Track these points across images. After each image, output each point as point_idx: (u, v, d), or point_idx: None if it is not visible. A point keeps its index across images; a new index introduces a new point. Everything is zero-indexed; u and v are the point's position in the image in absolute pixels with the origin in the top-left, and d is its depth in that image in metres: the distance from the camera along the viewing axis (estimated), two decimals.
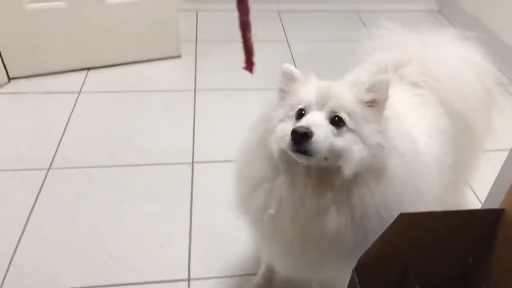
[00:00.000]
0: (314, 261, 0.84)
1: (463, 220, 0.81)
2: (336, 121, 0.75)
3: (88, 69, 2.09)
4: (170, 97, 1.97)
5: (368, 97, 0.76)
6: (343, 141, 0.74)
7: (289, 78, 0.84)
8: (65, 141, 1.69)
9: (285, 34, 2.50)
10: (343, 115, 0.75)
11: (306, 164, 0.76)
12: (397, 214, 0.73)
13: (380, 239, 0.75)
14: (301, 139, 0.70)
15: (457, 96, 1.07)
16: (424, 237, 0.81)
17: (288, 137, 0.72)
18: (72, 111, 1.84)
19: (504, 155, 0.94)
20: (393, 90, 0.80)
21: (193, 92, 1.99)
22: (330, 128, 0.74)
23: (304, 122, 0.74)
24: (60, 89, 1.97)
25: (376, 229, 0.75)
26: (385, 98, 0.76)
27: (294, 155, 0.73)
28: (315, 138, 0.71)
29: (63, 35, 1.97)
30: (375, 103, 0.77)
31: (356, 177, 0.75)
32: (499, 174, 0.82)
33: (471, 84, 1.10)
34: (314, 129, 0.71)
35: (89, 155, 1.64)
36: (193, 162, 1.65)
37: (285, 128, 0.77)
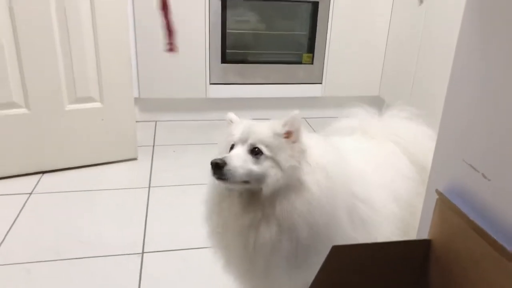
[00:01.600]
0: (261, 270, 0.97)
1: (396, 251, 0.82)
2: (255, 152, 0.93)
3: (43, 172, 2.10)
4: (123, 194, 1.98)
5: (283, 130, 0.95)
6: (261, 167, 0.92)
7: (229, 121, 1.05)
8: (8, 240, 1.62)
9: None
10: (260, 146, 0.93)
11: (231, 188, 0.94)
12: (328, 222, 0.91)
13: (318, 275, 0.75)
14: (217, 168, 0.89)
15: (414, 147, 1.25)
16: (360, 270, 0.80)
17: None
18: (20, 211, 1.80)
19: None
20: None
21: (147, 189, 2.02)
22: (250, 158, 0.92)
23: (224, 155, 0.93)
24: (10, 191, 1.94)
25: (308, 237, 0.91)
26: (297, 129, 0.94)
27: (216, 181, 0.92)
28: (227, 166, 0.89)
29: (21, 140, 2.02)
30: (289, 134, 0.94)
31: (277, 194, 0.92)
32: (424, 206, 0.87)
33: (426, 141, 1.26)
34: (227, 160, 0.90)
35: (31, 252, 1.56)
36: (143, 252, 1.60)
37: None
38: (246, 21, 2.76)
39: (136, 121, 2.75)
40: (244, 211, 0.94)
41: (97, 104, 2.12)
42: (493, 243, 0.65)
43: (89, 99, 2.10)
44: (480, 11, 0.70)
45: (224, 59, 2.70)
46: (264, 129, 0.95)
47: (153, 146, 2.48)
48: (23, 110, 1.99)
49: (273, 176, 0.91)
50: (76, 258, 1.55)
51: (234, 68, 2.75)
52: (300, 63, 2.80)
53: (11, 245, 1.59)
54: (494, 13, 0.67)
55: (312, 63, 2.80)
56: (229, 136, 0.99)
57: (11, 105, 1.95)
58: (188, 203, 1.91)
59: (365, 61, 2.86)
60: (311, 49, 2.77)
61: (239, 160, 0.91)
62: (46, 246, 1.60)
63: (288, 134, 0.94)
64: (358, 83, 2.90)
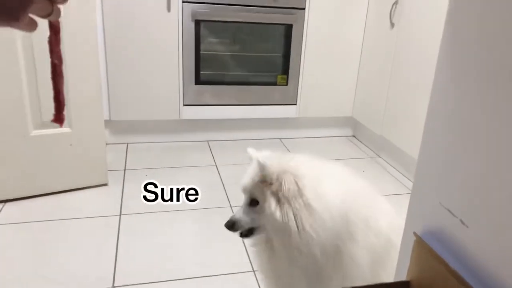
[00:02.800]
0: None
1: None
2: (253, 202, 1.02)
3: (5, 201, 1.99)
4: (93, 223, 1.90)
5: (259, 177, 0.99)
6: (256, 217, 1.01)
7: (260, 169, 1.02)
8: None
9: (214, 160, 2.62)
10: (253, 196, 1.01)
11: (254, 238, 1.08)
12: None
13: None
14: (231, 228, 1.04)
15: None
16: None
17: None
18: None
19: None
20: None
21: (118, 217, 1.94)
22: (248, 210, 1.03)
23: (233, 215, 1.06)
24: None
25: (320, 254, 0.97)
26: (267, 174, 0.97)
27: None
28: (236, 225, 1.04)
29: None
30: (265, 180, 0.98)
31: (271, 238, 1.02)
32: (401, 246, 0.85)
33: None
34: (234, 219, 1.04)
35: None
36: (113, 287, 1.52)
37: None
38: (220, 42, 2.75)
39: (107, 144, 2.68)
40: (270, 257, 1.05)
41: (65, 129, 2.04)
42: None
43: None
44: (452, 55, 0.69)
45: (198, 81, 2.67)
46: (248, 180, 1.02)
47: (124, 170, 2.41)
48: None
49: (264, 225, 1.00)
50: None
51: (208, 90, 2.72)
52: (275, 84, 2.79)
53: None
54: (468, 54, 0.66)
55: (286, 84, 2.80)
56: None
57: None
58: (162, 232, 1.85)
59: (338, 83, 2.89)
60: (285, 70, 2.77)
61: (242, 216, 1.04)
62: (6, 284, 1.50)
63: (265, 181, 0.98)
64: (332, 104, 2.92)
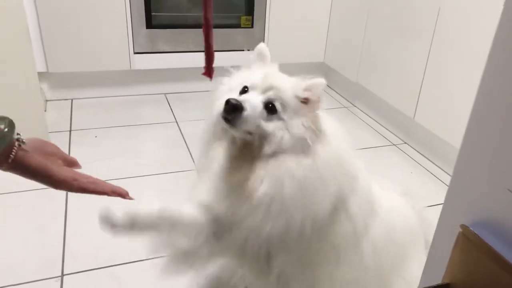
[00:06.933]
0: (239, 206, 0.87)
1: None
2: (270, 108, 0.85)
3: None
4: (34, 199, 1.60)
5: (303, 94, 0.86)
6: (270, 126, 0.84)
7: (260, 57, 0.96)
8: None
9: (173, 116, 2.33)
10: (277, 104, 0.85)
11: (231, 133, 0.86)
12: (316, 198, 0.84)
13: None
14: (232, 109, 0.80)
15: None
16: None
17: (222, 104, 0.81)
18: None
19: None
20: None
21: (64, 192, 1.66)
22: (263, 111, 0.84)
23: (241, 97, 0.84)
24: None
25: (294, 195, 0.82)
26: (318, 98, 0.86)
27: (222, 122, 0.83)
28: (244, 113, 0.81)
29: None
30: (308, 101, 0.86)
31: (275, 154, 0.84)
32: (434, 243, 0.67)
33: None
34: (246, 106, 0.81)
35: None
36: (62, 275, 1.28)
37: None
38: None
39: (47, 100, 2.33)
40: (232, 162, 0.88)
41: None
42: None
43: None
44: None
45: (150, 24, 2.33)
46: (287, 86, 0.87)
47: (70, 131, 2.08)
48: None
49: (280, 138, 0.84)
50: None
51: (162, 34, 2.38)
52: (239, 26, 2.49)
53: None
54: None
55: (252, 27, 2.50)
56: (246, 77, 0.91)
57: None
58: (119, 205, 1.59)
59: (309, 24, 2.62)
60: (250, 10, 2.47)
61: (256, 111, 0.83)
62: None
63: (306, 100, 0.86)
64: (302, 48, 2.67)
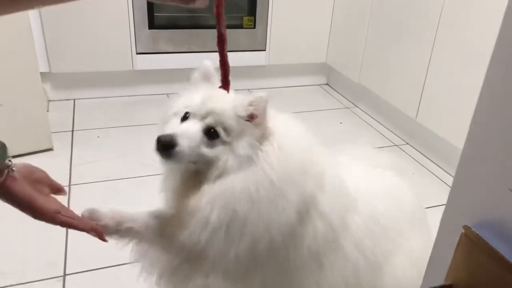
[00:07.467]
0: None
1: None
2: (211, 133, 0.81)
3: None
4: None
5: (247, 111, 0.82)
6: (213, 152, 0.81)
7: (203, 76, 0.90)
8: None
9: None
10: (218, 129, 0.81)
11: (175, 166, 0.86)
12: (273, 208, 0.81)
13: None
14: (165, 147, 0.78)
15: None
16: None
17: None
18: None
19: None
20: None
21: (67, 188, 1.66)
22: (203, 139, 0.81)
23: (176, 129, 0.81)
24: None
25: (249, 213, 0.80)
26: (263, 113, 0.82)
27: (160, 159, 0.80)
28: (177, 148, 0.78)
29: None
30: (253, 117, 0.82)
31: (223, 175, 0.82)
32: (436, 243, 0.67)
33: None
34: (179, 140, 0.79)
35: None
36: (64, 275, 1.29)
37: (170, 127, 0.84)
38: None
39: (49, 100, 2.33)
40: (183, 186, 0.86)
41: None
42: None
43: None
44: None
45: (152, 24, 2.33)
46: (227, 109, 0.82)
47: (72, 131, 2.09)
48: None
49: (225, 162, 0.82)
50: None
51: (164, 35, 2.38)
52: (241, 27, 2.49)
53: None
54: None
55: (254, 27, 2.50)
56: (187, 100, 0.86)
57: None
58: (120, 204, 1.59)
59: (311, 24, 2.62)
60: (252, 11, 2.47)
61: (192, 141, 0.80)
62: None
63: (251, 117, 0.82)
64: (304, 49, 2.67)
